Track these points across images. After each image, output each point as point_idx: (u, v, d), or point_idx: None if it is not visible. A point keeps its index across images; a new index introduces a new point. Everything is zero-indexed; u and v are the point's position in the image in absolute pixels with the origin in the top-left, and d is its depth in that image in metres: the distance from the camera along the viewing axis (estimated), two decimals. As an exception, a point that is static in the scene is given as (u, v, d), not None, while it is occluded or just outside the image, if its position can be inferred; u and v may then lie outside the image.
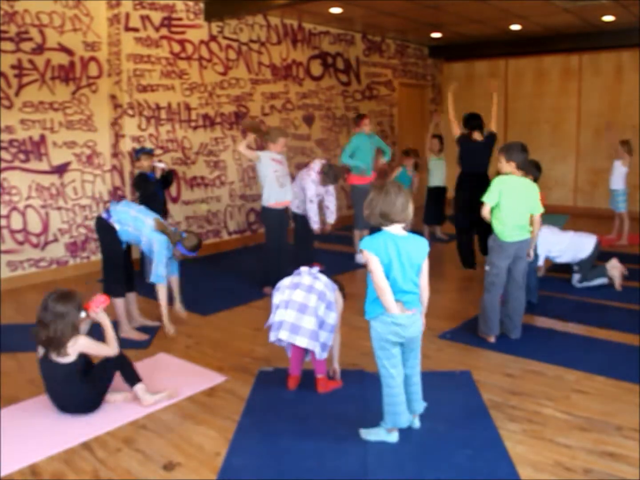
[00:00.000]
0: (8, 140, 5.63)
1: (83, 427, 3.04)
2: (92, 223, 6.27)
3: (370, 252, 2.65)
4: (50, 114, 5.90)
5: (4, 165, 5.62)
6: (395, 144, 10.16)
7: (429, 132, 7.76)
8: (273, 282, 5.35)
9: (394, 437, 2.82)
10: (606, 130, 7.36)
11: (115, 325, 4.27)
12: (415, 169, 7.58)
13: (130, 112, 6.30)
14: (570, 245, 5.37)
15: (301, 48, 8.26)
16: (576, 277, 5.40)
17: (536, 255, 4.92)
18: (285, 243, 5.54)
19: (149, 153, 5.70)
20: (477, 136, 5.88)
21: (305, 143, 8.44)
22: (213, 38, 7.09)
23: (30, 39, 5.71)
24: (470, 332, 4.24)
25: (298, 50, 8.22)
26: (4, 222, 5.66)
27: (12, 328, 4.56)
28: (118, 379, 3.28)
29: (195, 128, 6.98)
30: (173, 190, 6.82)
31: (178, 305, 4.55)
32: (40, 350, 3.16)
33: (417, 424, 2.94)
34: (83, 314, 3.19)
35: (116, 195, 6.44)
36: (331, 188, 6.03)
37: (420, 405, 2.92)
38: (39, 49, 5.78)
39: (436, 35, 9.45)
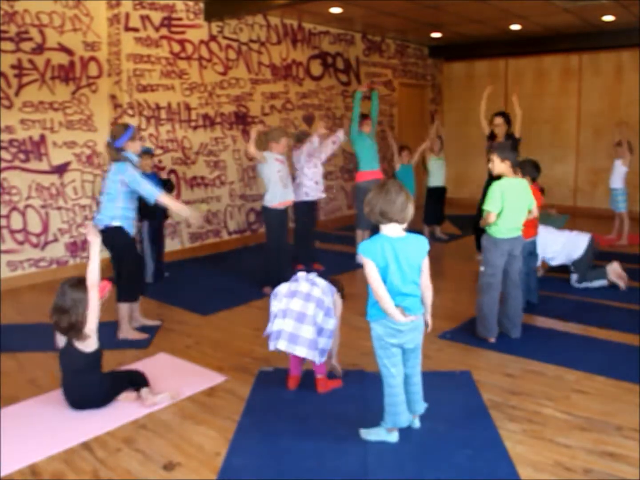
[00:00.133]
0: (8, 140, 5.63)
1: (83, 427, 3.04)
2: (91, 223, 6.27)
3: (366, 256, 2.65)
4: (50, 114, 5.90)
5: (4, 165, 5.62)
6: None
7: (431, 133, 7.73)
8: (273, 282, 5.36)
9: (394, 437, 2.82)
10: (617, 128, 7.35)
11: (115, 328, 4.29)
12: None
13: (130, 112, 6.30)
14: (565, 246, 5.37)
15: (301, 48, 8.27)
16: (574, 277, 5.40)
17: (536, 255, 4.92)
18: (285, 243, 5.54)
19: (149, 153, 5.69)
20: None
21: (305, 143, 8.43)
22: (213, 38, 7.09)
23: (30, 39, 5.71)
24: (470, 332, 4.24)
25: (298, 50, 8.22)
26: (4, 222, 5.66)
27: (12, 328, 4.56)
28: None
29: (195, 128, 6.98)
30: (173, 190, 6.82)
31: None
32: (61, 341, 3.20)
33: (417, 424, 2.94)
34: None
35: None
36: (315, 140, 6.04)
37: (421, 406, 2.92)
38: (39, 49, 5.78)
39: (436, 35, 9.45)
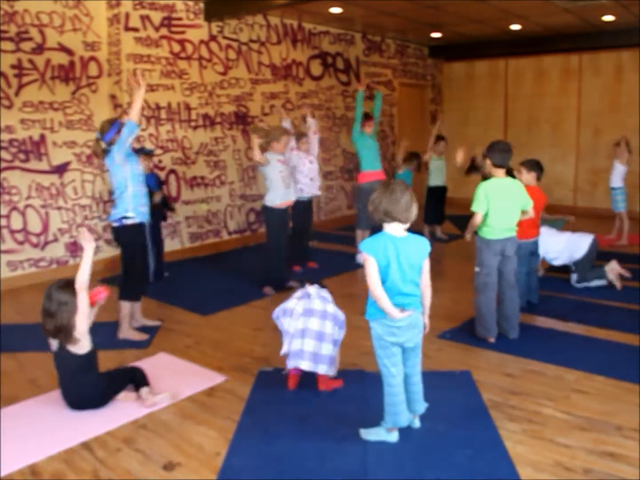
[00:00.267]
0: (8, 140, 5.63)
1: (83, 427, 3.04)
2: (92, 223, 6.28)
3: (368, 253, 2.66)
4: (50, 114, 5.90)
5: (4, 165, 5.62)
6: (395, 144, 10.15)
7: (433, 134, 7.73)
8: (274, 282, 5.39)
9: (394, 437, 2.82)
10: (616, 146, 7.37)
11: (115, 328, 4.29)
12: (418, 170, 7.56)
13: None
14: (567, 247, 5.37)
15: (301, 48, 8.27)
16: (574, 277, 5.40)
17: (537, 255, 4.92)
18: (284, 243, 5.54)
19: (149, 154, 5.68)
20: None
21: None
22: (213, 38, 7.09)
23: (30, 39, 5.71)
24: (470, 332, 4.24)
25: (298, 50, 8.22)
26: (4, 222, 5.66)
27: (12, 328, 4.56)
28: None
29: (195, 128, 6.98)
30: (173, 190, 6.82)
31: None
32: (54, 343, 3.19)
33: (417, 424, 2.94)
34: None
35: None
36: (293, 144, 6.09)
37: (422, 406, 2.92)
38: (39, 49, 5.78)
39: (436, 35, 9.45)
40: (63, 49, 5.96)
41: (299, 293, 3.49)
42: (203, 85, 7.02)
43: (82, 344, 3.15)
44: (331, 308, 3.37)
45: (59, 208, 6.04)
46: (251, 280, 5.73)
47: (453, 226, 8.35)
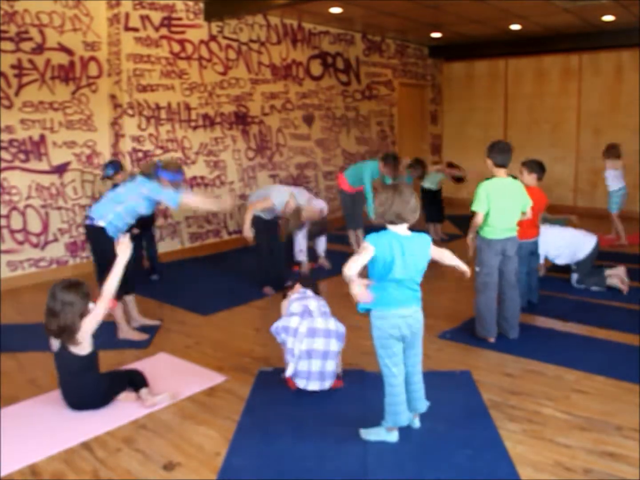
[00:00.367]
0: (8, 140, 5.63)
1: (83, 427, 3.04)
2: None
3: (372, 244, 2.66)
4: (50, 114, 5.90)
5: (4, 165, 5.62)
6: (395, 144, 10.16)
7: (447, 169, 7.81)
8: (273, 282, 5.39)
9: (394, 437, 2.82)
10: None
11: (115, 328, 4.28)
12: (421, 178, 7.51)
13: (130, 112, 6.30)
14: (571, 243, 5.34)
15: (301, 48, 8.27)
16: (574, 276, 5.39)
17: (537, 255, 4.92)
18: (278, 243, 5.62)
19: (121, 169, 5.60)
20: None
21: (305, 143, 8.44)
22: (213, 38, 7.09)
23: (30, 39, 5.71)
24: (470, 332, 4.24)
25: (298, 50, 8.22)
26: (4, 222, 5.66)
27: (12, 328, 4.56)
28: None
29: (195, 128, 6.98)
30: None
31: None
32: (56, 344, 3.18)
33: (417, 423, 2.94)
34: (91, 305, 3.19)
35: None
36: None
37: (423, 404, 2.91)
38: (39, 49, 5.78)
39: (436, 35, 9.45)
40: (63, 49, 5.96)
41: (298, 306, 3.46)
42: (203, 85, 7.02)
43: (83, 346, 3.15)
44: (333, 325, 3.39)
45: (59, 208, 6.04)
46: (251, 280, 5.73)
47: (453, 226, 8.35)
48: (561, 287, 5.39)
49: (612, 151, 7.22)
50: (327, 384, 3.35)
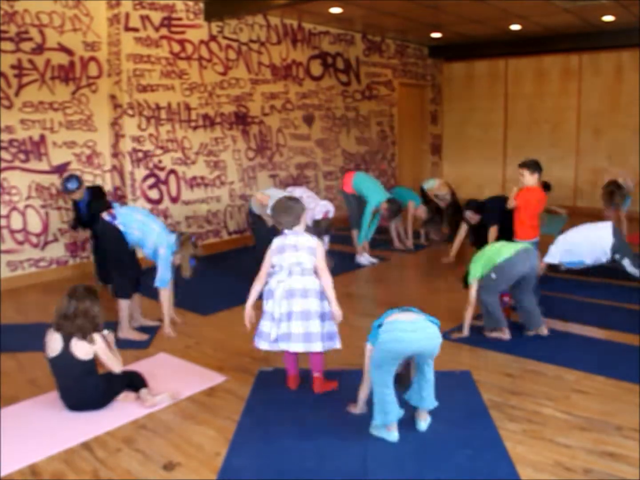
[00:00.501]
0: (8, 140, 5.63)
1: (83, 427, 3.04)
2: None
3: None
4: (50, 114, 5.90)
5: (4, 165, 5.62)
6: (395, 144, 10.16)
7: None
8: None
9: (393, 437, 2.82)
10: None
11: (116, 325, 4.29)
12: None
13: (130, 112, 6.30)
14: (592, 242, 5.24)
15: (301, 48, 8.27)
16: (626, 262, 5.21)
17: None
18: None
19: (81, 185, 5.39)
20: None
21: (305, 143, 8.44)
22: (213, 38, 7.09)
23: (30, 39, 5.71)
24: (470, 332, 4.24)
25: (298, 50, 8.22)
26: (4, 222, 5.66)
27: (12, 328, 4.56)
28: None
29: (195, 128, 6.98)
30: (173, 190, 6.82)
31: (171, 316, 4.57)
32: (57, 348, 3.16)
33: (423, 426, 2.91)
34: (106, 332, 3.31)
35: (116, 195, 6.44)
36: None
37: (431, 403, 2.93)
38: (39, 49, 5.78)
39: (436, 35, 9.45)
40: (63, 49, 5.96)
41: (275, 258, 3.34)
42: (203, 86, 7.02)
43: (91, 349, 3.17)
44: (310, 283, 3.26)
45: (59, 208, 6.04)
46: (251, 281, 5.71)
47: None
48: (561, 288, 5.39)
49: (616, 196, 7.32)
50: (315, 347, 3.23)
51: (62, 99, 5.98)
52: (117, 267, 4.35)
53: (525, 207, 4.81)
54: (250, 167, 7.66)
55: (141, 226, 4.28)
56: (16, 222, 5.75)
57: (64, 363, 3.16)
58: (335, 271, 5.98)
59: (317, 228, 5.91)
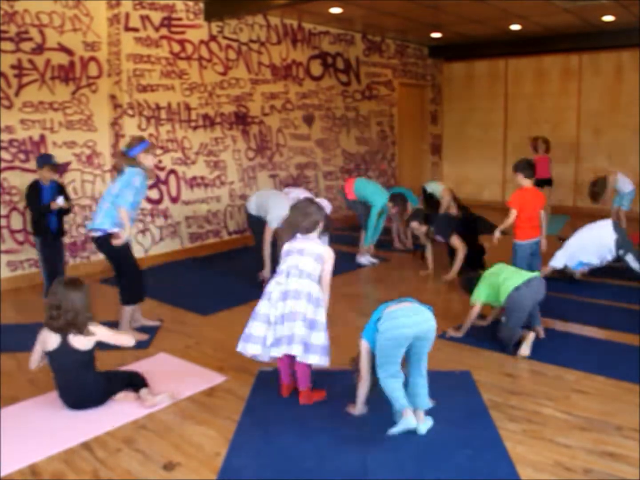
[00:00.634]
0: (8, 140, 5.63)
1: (83, 427, 3.04)
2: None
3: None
4: (50, 114, 5.90)
5: (4, 165, 5.62)
6: (395, 144, 10.16)
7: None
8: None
9: (412, 421, 2.78)
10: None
11: (116, 325, 4.29)
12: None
13: (130, 112, 6.30)
14: (594, 242, 5.25)
15: (301, 48, 8.27)
16: (630, 258, 5.22)
17: (539, 256, 4.93)
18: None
19: (54, 166, 5.27)
20: None
21: (305, 143, 8.44)
22: (213, 38, 7.09)
23: (30, 39, 5.71)
24: (470, 332, 4.24)
25: (298, 50, 8.22)
26: (4, 222, 5.66)
27: (12, 328, 4.56)
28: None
29: (195, 128, 6.98)
30: (173, 190, 6.82)
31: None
32: (54, 341, 3.16)
33: (422, 430, 2.88)
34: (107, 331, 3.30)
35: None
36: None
37: (426, 402, 2.93)
38: (39, 49, 5.78)
39: (436, 35, 9.45)
40: (63, 49, 5.96)
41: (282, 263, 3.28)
42: (203, 86, 7.02)
43: (89, 340, 3.17)
44: (306, 286, 3.13)
45: (59, 208, 6.03)
46: (251, 280, 5.73)
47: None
48: (561, 287, 5.39)
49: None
50: (295, 350, 3.04)
51: (62, 99, 5.98)
52: (124, 276, 4.28)
53: (522, 208, 4.80)
54: (250, 167, 7.66)
55: (104, 202, 4.19)
56: (16, 222, 5.75)
57: (63, 356, 3.17)
58: (335, 271, 6.02)
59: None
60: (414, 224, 5.78)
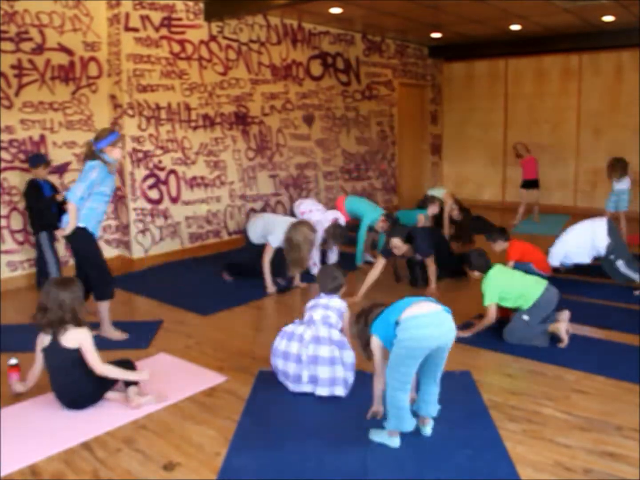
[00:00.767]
0: (8, 140, 5.63)
1: (83, 427, 3.04)
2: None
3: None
4: (50, 114, 5.90)
5: (4, 165, 5.62)
6: (395, 144, 10.16)
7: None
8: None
9: (395, 443, 2.77)
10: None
11: (98, 325, 4.24)
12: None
13: (130, 112, 6.30)
14: (587, 238, 5.25)
15: (301, 48, 8.27)
16: (620, 263, 5.20)
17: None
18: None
19: (48, 163, 5.56)
20: None
21: (305, 143, 8.44)
22: (213, 38, 7.09)
23: (30, 39, 5.71)
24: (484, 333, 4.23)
25: (298, 50, 8.22)
26: (4, 222, 5.66)
27: (12, 328, 4.56)
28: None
29: (195, 128, 6.98)
30: (173, 190, 6.82)
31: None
32: (46, 340, 3.18)
33: (428, 431, 2.88)
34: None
35: (116, 195, 6.44)
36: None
37: (435, 409, 2.90)
38: (39, 49, 5.78)
39: (436, 35, 9.45)
40: (63, 49, 5.96)
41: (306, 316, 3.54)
42: (203, 86, 7.02)
43: (74, 340, 3.15)
44: (326, 332, 3.37)
45: (59, 208, 6.04)
46: (251, 280, 5.73)
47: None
48: (561, 288, 5.37)
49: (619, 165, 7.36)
50: (321, 391, 3.29)
51: (62, 99, 5.98)
52: (95, 271, 4.19)
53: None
54: (250, 167, 7.66)
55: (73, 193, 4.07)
56: (16, 222, 5.75)
57: (54, 354, 3.17)
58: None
59: (328, 235, 5.89)
60: (396, 241, 5.16)
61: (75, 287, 3.24)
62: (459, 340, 4.12)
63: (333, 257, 6.21)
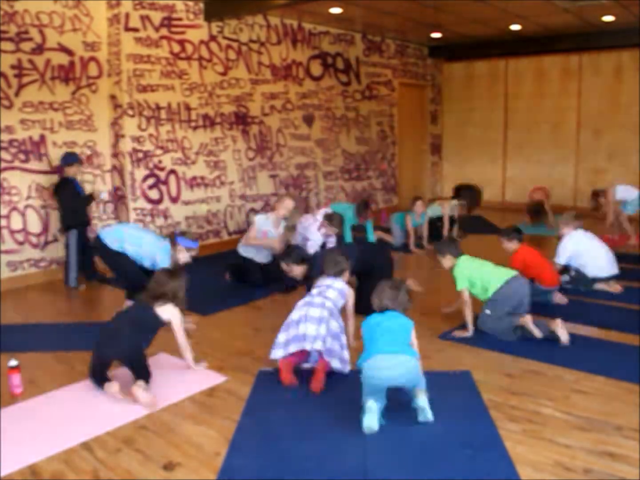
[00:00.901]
0: (8, 140, 5.63)
1: (83, 427, 3.04)
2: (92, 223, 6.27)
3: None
4: (50, 114, 5.90)
5: (4, 165, 5.62)
6: (395, 144, 10.17)
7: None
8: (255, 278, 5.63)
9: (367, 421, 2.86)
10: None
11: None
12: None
13: (130, 112, 6.30)
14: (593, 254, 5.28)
15: (301, 48, 8.27)
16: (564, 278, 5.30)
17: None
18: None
19: (81, 162, 5.86)
20: None
21: (305, 143, 8.44)
22: (213, 38, 7.09)
23: (30, 39, 5.71)
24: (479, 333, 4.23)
25: (298, 50, 8.22)
26: (4, 222, 5.66)
27: (12, 328, 4.56)
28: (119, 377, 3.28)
29: (195, 128, 6.98)
30: (173, 190, 6.82)
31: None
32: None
33: (429, 417, 2.95)
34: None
35: (116, 195, 6.44)
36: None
37: (428, 414, 2.94)
38: (39, 49, 5.78)
39: (436, 35, 9.45)
40: (63, 49, 5.96)
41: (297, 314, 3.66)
42: (203, 86, 7.02)
43: (174, 312, 3.54)
44: (329, 302, 3.63)
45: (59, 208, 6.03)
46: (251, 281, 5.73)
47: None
48: (561, 288, 5.38)
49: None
50: (307, 345, 3.44)
51: (62, 99, 5.98)
52: (127, 279, 4.60)
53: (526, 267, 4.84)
54: (250, 167, 7.66)
55: (133, 240, 4.53)
56: (16, 222, 5.75)
57: (144, 311, 3.51)
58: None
59: (331, 222, 5.95)
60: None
61: (181, 275, 3.75)
62: (459, 340, 4.15)
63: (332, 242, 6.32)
